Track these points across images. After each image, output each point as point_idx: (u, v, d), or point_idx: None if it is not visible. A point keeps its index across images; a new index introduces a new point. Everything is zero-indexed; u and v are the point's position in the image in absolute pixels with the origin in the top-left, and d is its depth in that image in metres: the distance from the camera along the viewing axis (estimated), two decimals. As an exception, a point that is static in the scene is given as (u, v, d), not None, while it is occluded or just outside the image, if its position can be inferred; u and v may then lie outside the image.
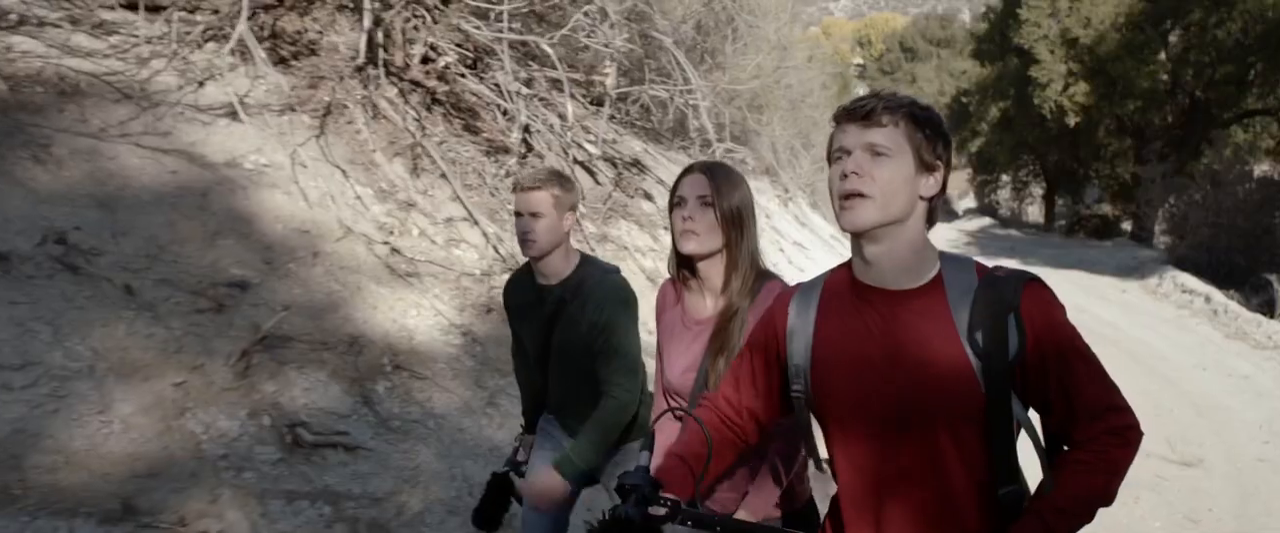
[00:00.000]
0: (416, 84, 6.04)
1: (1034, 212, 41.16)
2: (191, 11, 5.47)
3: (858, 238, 1.77)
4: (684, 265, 2.56)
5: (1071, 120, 30.19)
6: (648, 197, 7.35)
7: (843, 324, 1.84)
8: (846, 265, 1.87)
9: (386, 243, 5.05)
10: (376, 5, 5.94)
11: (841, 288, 1.87)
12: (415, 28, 6.07)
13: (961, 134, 38.30)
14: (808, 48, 11.44)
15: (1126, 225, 34.64)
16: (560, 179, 2.99)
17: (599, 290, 2.94)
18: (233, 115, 5.08)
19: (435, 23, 5.83)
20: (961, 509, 1.76)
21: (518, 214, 2.96)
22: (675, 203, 2.54)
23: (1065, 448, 1.76)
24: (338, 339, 4.39)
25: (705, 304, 2.58)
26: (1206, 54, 27.75)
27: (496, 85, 6.36)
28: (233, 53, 5.39)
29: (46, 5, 5.04)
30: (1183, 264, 20.09)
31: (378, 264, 4.92)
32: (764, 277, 2.56)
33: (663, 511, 1.79)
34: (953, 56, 58.60)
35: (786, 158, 11.09)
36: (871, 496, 1.84)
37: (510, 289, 3.27)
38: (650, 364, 2.87)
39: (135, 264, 4.08)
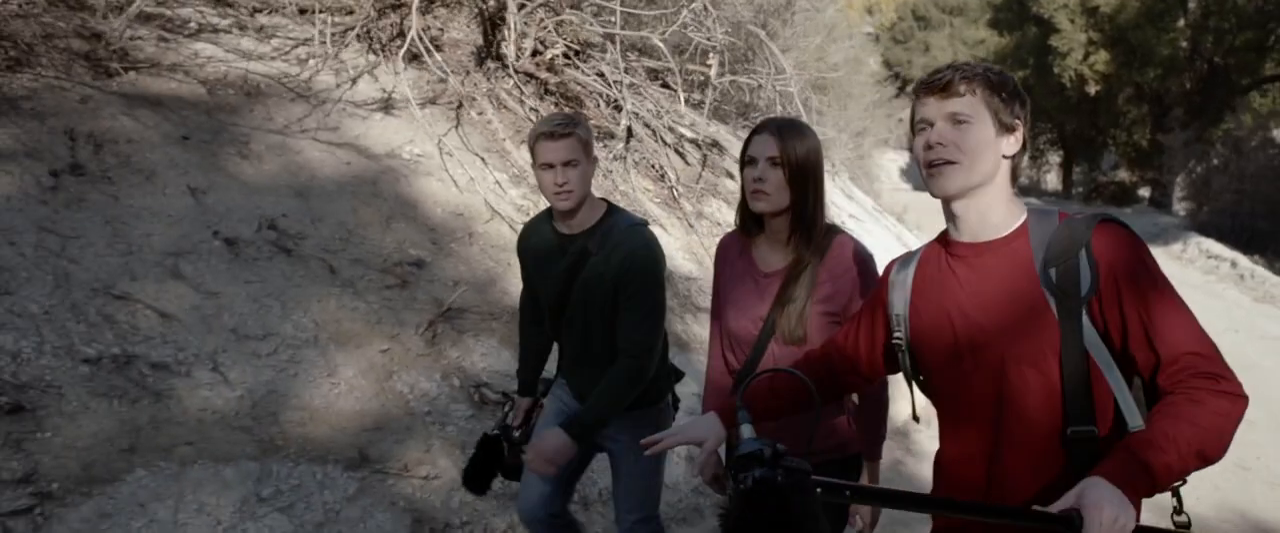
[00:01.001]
0: (529, 76, 6.56)
1: (1052, 179, 41.46)
2: (333, 14, 5.99)
3: (948, 201, 1.87)
4: (753, 221, 2.67)
5: (1092, 89, 30.57)
6: (729, 175, 7.88)
7: (937, 277, 1.96)
8: (944, 234, 1.98)
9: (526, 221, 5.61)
10: (491, 5, 6.47)
11: (937, 249, 2.00)
12: (526, 23, 6.58)
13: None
14: (848, 26, 11.84)
15: (1143, 192, 35.07)
16: (582, 121, 2.87)
17: (629, 242, 2.83)
18: (386, 109, 5.63)
19: (558, 18, 6.34)
20: (1045, 447, 1.81)
21: (547, 165, 2.77)
22: (746, 162, 2.61)
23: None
24: (501, 310, 4.94)
25: (773, 257, 2.66)
26: (1227, 20, 28.07)
27: (600, 74, 6.87)
28: (373, 52, 5.92)
29: (216, 13, 5.57)
30: (1206, 230, 20.55)
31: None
32: (832, 231, 2.65)
33: (796, 469, 1.70)
34: (966, 25, 58.62)
35: (834, 134, 11.58)
36: (965, 432, 1.94)
37: (527, 237, 3.12)
38: (667, 322, 2.98)
39: (332, 246, 4.64)
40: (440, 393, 4.40)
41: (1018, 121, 1.84)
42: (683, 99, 7.57)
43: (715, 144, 8.00)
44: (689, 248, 6.72)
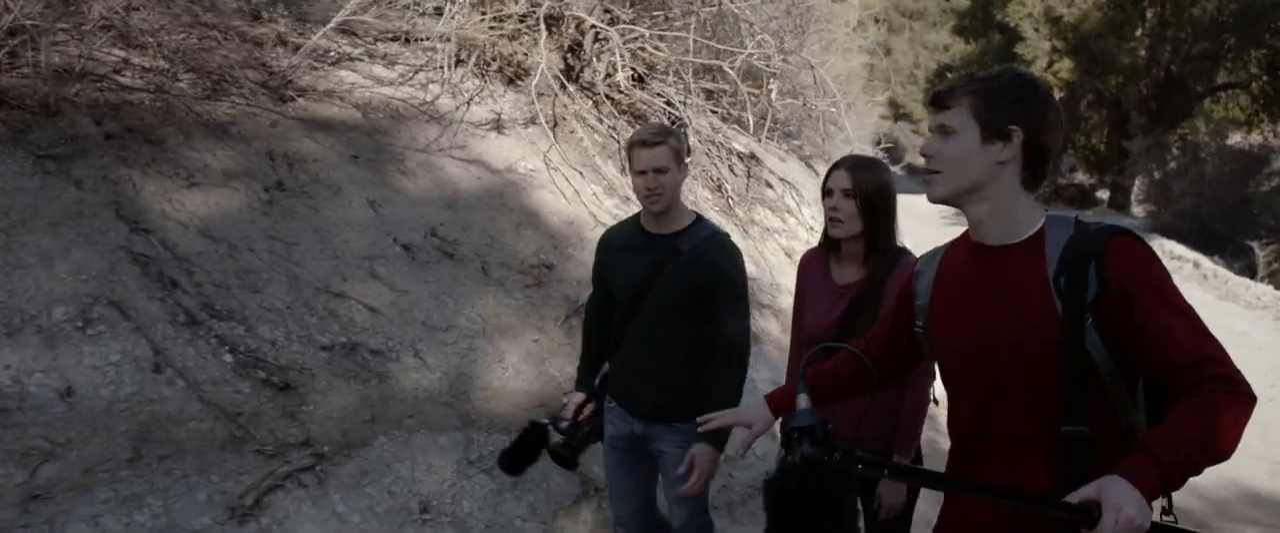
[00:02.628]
0: (605, 96, 7.34)
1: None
2: (439, 40, 6.72)
3: (955, 205, 2.00)
4: (832, 242, 3.09)
5: (1056, 95, 31.69)
6: (769, 185, 8.70)
7: (956, 274, 2.09)
8: (967, 232, 2.10)
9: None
10: (570, 35, 7.23)
11: (962, 245, 2.12)
12: (600, 49, 7.35)
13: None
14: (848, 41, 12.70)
15: (1101, 194, 36.40)
16: (676, 131, 3.18)
17: (719, 250, 3.11)
18: (497, 129, 6.38)
19: (632, 45, 7.12)
20: (1041, 446, 1.92)
21: (641, 172, 3.04)
22: (825, 193, 3.04)
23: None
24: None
25: (848, 273, 3.09)
26: (1183, 31, 29.39)
27: (659, 95, 7.66)
28: (478, 77, 6.67)
29: (348, 42, 6.29)
30: (1167, 232, 21.66)
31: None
32: (900, 253, 3.04)
33: (841, 450, 1.77)
34: (925, 29, 59.63)
35: (858, 146, 12.48)
36: (970, 427, 2.06)
37: (612, 236, 3.37)
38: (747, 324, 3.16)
39: (481, 250, 5.39)
40: (582, 376, 5.17)
41: (1014, 127, 1.91)
42: (768, 126, 8.40)
43: (753, 157, 8.81)
44: (746, 251, 7.51)
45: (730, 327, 3.10)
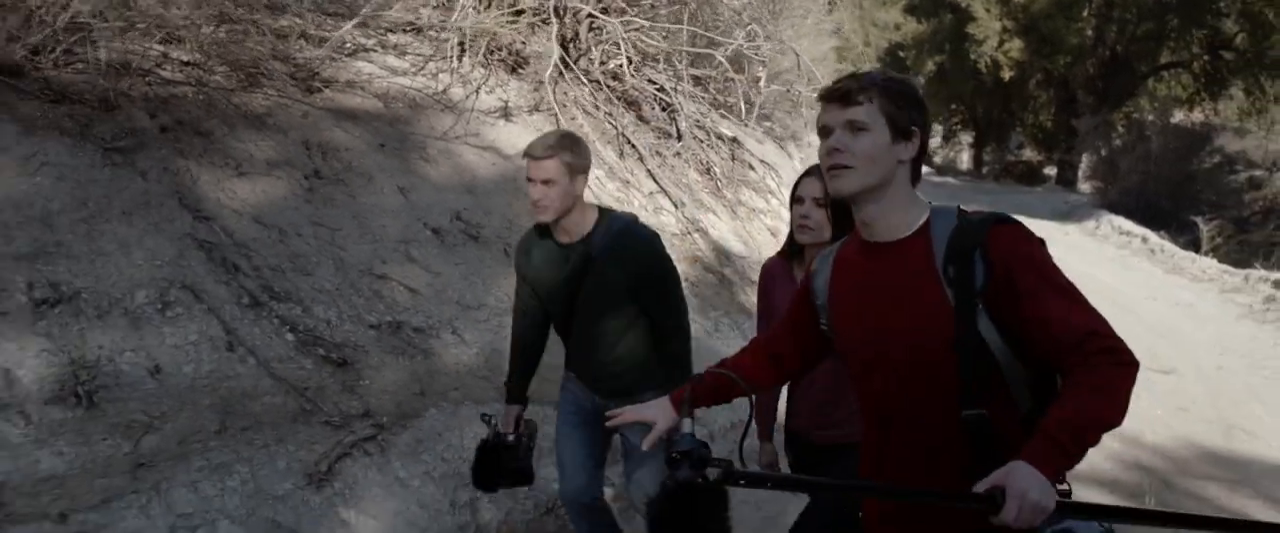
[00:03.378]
0: (600, 84, 7.66)
1: (965, 159, 43.66)
2: (439, 31, 7.00)
3: (852, 203, 2.01)
4: (799, 249, 3.05)
5: (1006, 74, 32.57)
6: (751, 167, 9.09)
7: (849, 273, 2.12)
8: (856, 231, 2.12)
9: (629, 213, 6.74)
10: (565, 25, 7.54)
11: (853, 243, 2.14)
12: (595, 39, 7.67)
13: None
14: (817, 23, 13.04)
15: (1049, 171, 37.42)
16: (571, 143, 3.07)
17: (633, 245, 3.11)
18: (505, 117, 6.69)
19: (630, 35, 7.45)
20: (945, 432, 1.95)
21: (530, 180, 3.05)
22: (795, 200, 2.98)
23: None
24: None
25: None
26: (1129, 12, 30.31)
27: (650, 81, 8.00)
28: (483, 66, 6.96)
29: (361, 34, 6.54)
30: (1114, 208, 22.38)
31: (624, 229, 6.62)
32: None
33: (717, 471, 1.88)
34: (874, 7, 60.03)
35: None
36: (878, 416, 2.09)
37: (526, 249, 3.34)
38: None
39: (502, 233, 5.72)
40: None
41: (915, 128, 1.97)
42: (757, 113, 8.75)
43: (736, 140, 9.19)
44: (735, 231, 7.91)
45: (664, 316, 3.18)
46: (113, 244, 4.00)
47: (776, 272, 3.17)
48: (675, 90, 7.68)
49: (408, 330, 4.72)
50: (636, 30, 7.44)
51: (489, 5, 6.78)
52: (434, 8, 6.73)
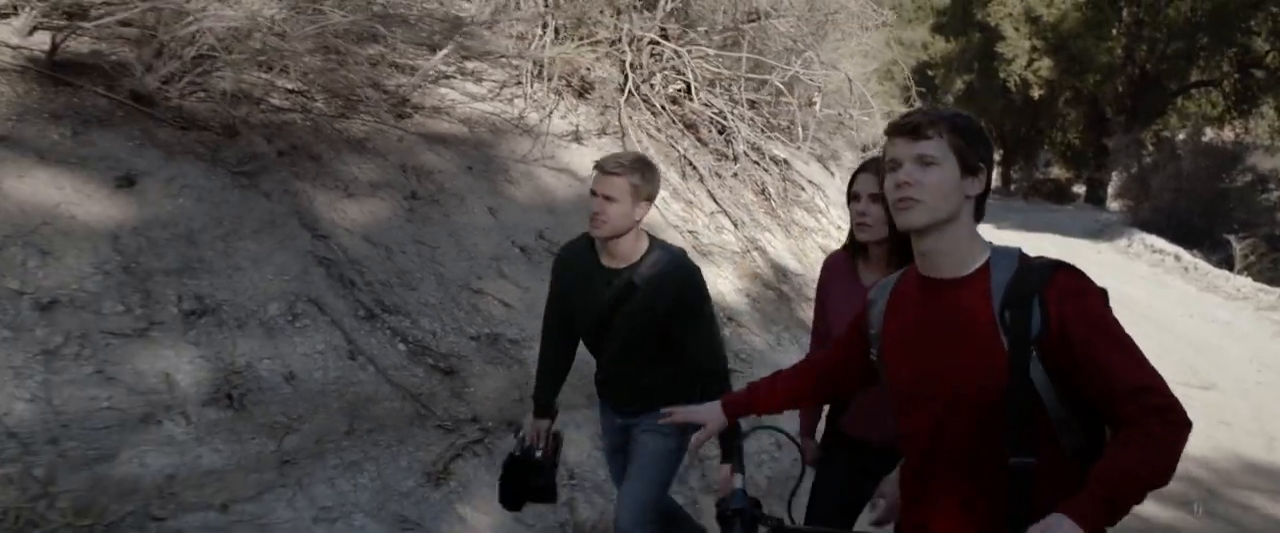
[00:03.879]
0: (662, 108, 8.01)
1: (992, 177, 43.77)
2: (513, 59, 7.36)
3: (915, 236, 2.00)
4: (859, 246, 3.04)
5: (1036, 93, 32.77)
6: (801, 188, 9.41)
7: (905, 307, 2.11)
8: (914, 265, 2.11)
9: (691, 232, 7.06)
10: (630, 51, 7.89)
11: (911, 278, 2.12)
12: (655, 65, 8.01)
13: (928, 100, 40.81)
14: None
15: (1077, 189, 37.54)
16: (643, 168, 3.11)
17: (674, 275, 3.12)
18: (577, 140, 7.04)
19: (683, 57, 7.79)
20: (988, 476, 1.94)
21: (593, 193, 3.08)
22: (852, 197, 2.99)
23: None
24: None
25: (875, 276, 2.91)
26: (1159, 31, 30.49)
27: (708, 105, 8.34)
28: (555, 92, 7.31)
29: (443, 62, 6.91)
30: (1145, 226, 22.51)
31: (691, 248, 6.94)
32: None
33: (767, 530, 1.96)
34: (900, 25, 59.94)
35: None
36: (921, 454, 2.09)
37: (568, 261, 3.37)
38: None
39: (581, 252, 6.04)
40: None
41: (981, 164, 1.97)
42: (811, 137, 9.10)
43: (786, 162, 9.51)
44: (790, 249, 8.22)
45: (700, 351, 3.17)
46: (247, 260, 4.36)
47: (838, 268, 3.15)
48: (732, 113, 8.00)
49: (504, 342, 5.05)
50: (698, 58, 7.78)
51: (561, 37, 7.13)
52: (511, 37, 7.09)
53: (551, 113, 7.03)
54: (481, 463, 4.40)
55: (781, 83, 8.15)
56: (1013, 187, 40.43)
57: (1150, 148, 28.51)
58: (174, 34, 4.77)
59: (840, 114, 9.31)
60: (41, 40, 4.76)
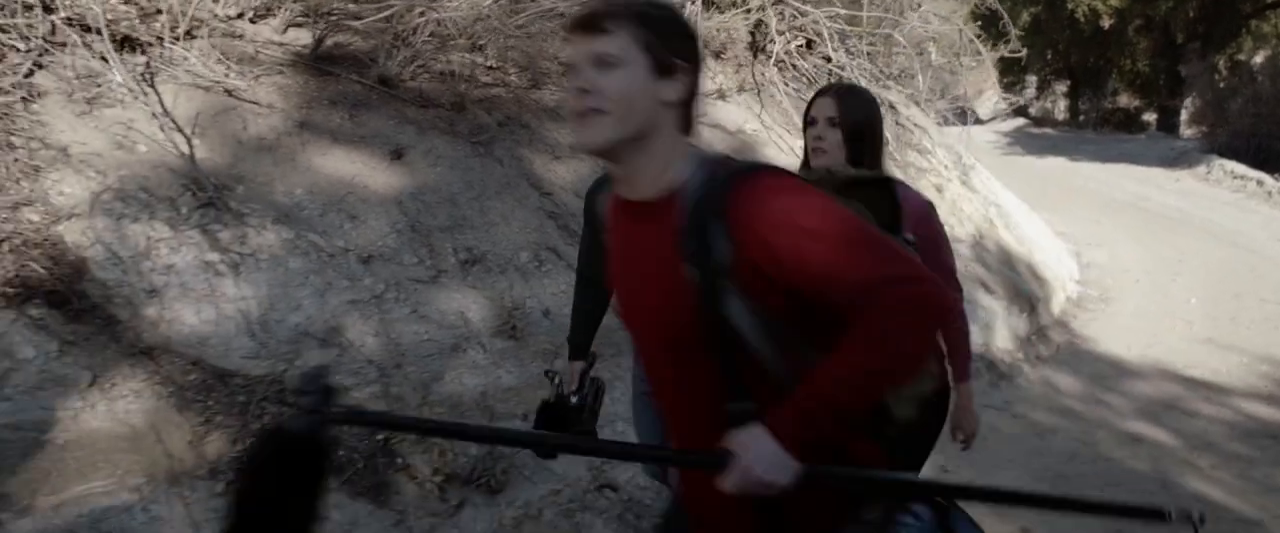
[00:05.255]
0: (786, 64, 8.69)
1: (1059, 108, 43.54)
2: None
3: (606, 156, 1.67)
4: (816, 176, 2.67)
5: (1105, 22, 32.64)
6: (909, 131, 10.06)
7: (616, 228, 1.84)
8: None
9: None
10: (753, 13, 8.57)
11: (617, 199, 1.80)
12: (781, 25, 8.68)
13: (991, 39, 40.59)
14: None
15: (1148, 118, 37.27)
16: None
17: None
18: (721, 97, 7.76)
19: (807, 26, 8.46)
20: (711, 426, 1.66)
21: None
22: (808, 122, 2.82)
23: None
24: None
25: None
26: (1231, -48, 30.25)
27: (827, 58, 9.01)
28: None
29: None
30: (1223, 152, 22.60)
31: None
32: (886, 184, 2.60)
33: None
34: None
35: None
36: (660, 397, 1.88)
37: (595, 198, 2.89)
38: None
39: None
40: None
41: (680, 62, 1.66)
42: (925, 86, 9.75)
43: (893, 107, 10.15)
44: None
45: None
46: (497, 216, 5.18)
47: None
48: (852, 66, 8.66)
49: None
50: (819, 11, 8.44)
51: (708, 7, 7.84)
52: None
53: (697, 74, 7.74)
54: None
55: (876, 24, 8.77)
56: (1081, 117, 40.23)
57: (1224, 72, 28.39)
58: (408, 25, 5.57)
59: (955, 60, 9.89)
60: (293, 36, 5.59)
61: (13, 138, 3.97)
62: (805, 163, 2.90)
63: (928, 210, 2.93)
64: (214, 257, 4.04)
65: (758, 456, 1.52)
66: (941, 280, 2.20)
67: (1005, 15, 10.18)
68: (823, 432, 1.55)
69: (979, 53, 9.67)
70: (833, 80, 9.01)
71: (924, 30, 9.08)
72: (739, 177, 1.62)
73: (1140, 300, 10.32)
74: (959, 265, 5.84)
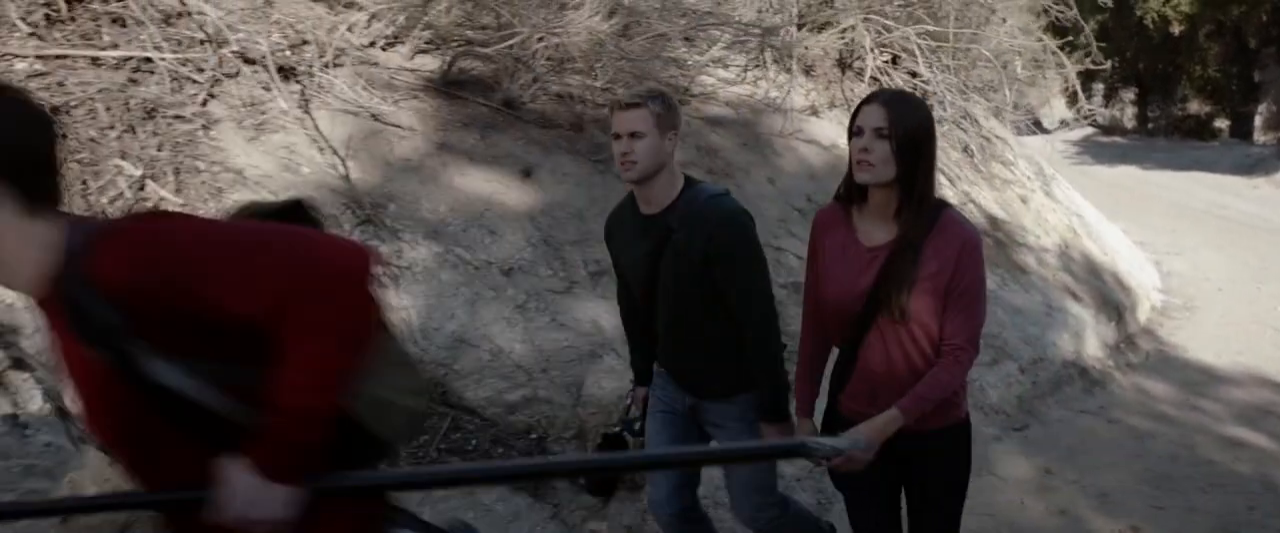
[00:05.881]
0: (876, 80, 8.91)
1: (1127, 116, 43.01)
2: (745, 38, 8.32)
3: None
4: (858, 192, 2.59)
5: (1175, 29, 32.27)
6: (992, 143, 10.20)
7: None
8: None
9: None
10: (845, 31, 8.80)
11: None
12: (869, 41, 8.90)
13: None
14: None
15: (1219, 124, 36.71)
16: (661, 97, 2.85)
17: (712, 218, 2.82)
18: (814, 113, 8.01)
19: (895, 41, 8.68)
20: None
21: (616, 136, 2.83)
22: (853, 132, 2.54)
23: None
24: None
25: (877, 232, 2.58)
26: (1305, -43, 29.77)
27: (914, 74, 9.21)
28: (786, 72, 8.29)
29: (689, 49, 7.94)
30: (1301, 158, 22.33)
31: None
32: (941, 207, 2.59)
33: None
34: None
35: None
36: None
37: (612, 223, 3.18)
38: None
39: (841, 211, 7.03)
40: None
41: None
42: (1011, 103, 9.94)
43: (975, 119, 10.31)
44: (995, 200, 9.06)
45: (740, 300, 2.90)
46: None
47: (832, 223, 2.71)
48: (939, 81, 8.86)
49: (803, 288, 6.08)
50: (921, 34, 8.66)
51: (803, 24, 8.11)
52: (758, 29, 8.09)
53: (788, 92, 8.00)
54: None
55: (986, 50, 8.97)
56: (1150, 125, 39.73)
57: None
58: (528, 50, 5.91)
59: (1035, 75, 10.04)
60: (420, 62, 5.96)
61: (197, 162, 4.35)
62: (848, 177, 2.62)
63: (974, 243, 2.58)
64: (376, 269, 4.37)
65: (237, 490, 1.50)
66: (962, 343, 2.53)
67: (1085, 28, 10.23)
68: (313, 443, 1.53)
69: (1062, 65, 9.77)
70: (919, 95, 9.22)
71: (1010, 44, 9.25)
72: (98, 238, 1.48)
73: (1226, 308, 10.33)
74: (1046, 274, 5.98)
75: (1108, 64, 13.36)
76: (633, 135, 2.80)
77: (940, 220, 2.54)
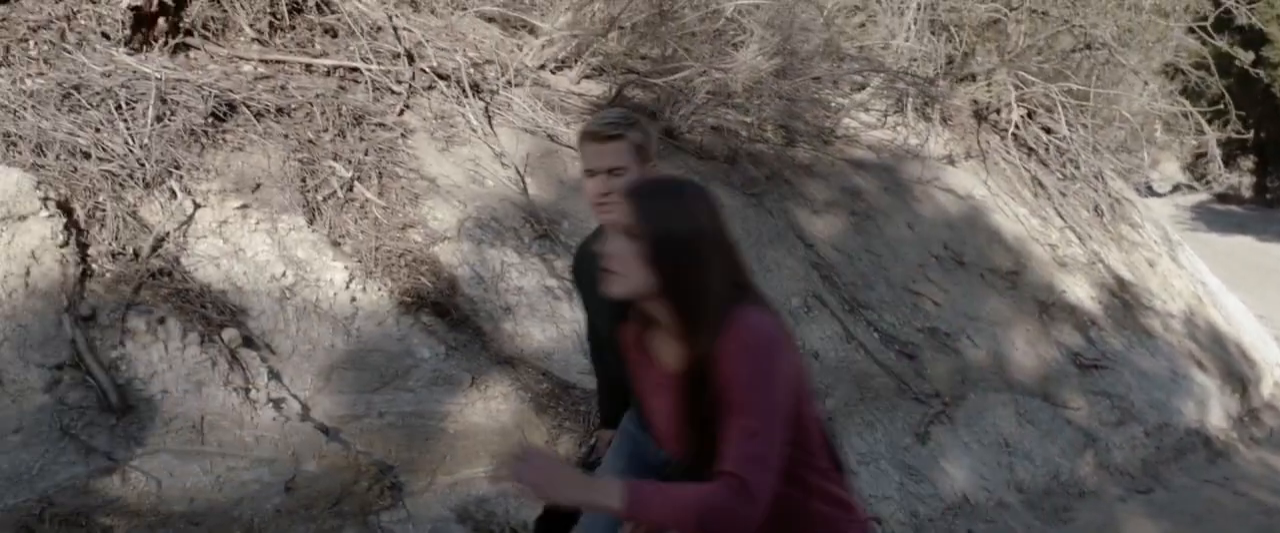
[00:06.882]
0: (1008, 132, 8.97)
1: (1244, 185, 41.78)
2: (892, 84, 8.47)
3: None
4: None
5: (1298, 96, 31.37)
6: (1121, 204, 10.15)
7: None
8: None
9: (1050, 245, 8.03)
10: (983, 86, 8.89)
11: None
12: (1006, 96, 8.98)
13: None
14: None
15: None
16: (637, 123, 2.49)
17: None
18: (950, 163, 8.12)
19: (1034, 97, 8.75)
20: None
21: (589, 172, 2.46)
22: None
23: None
24: (1057, 303, 7.37)
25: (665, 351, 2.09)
26: None
27: (1048, 130, 9.25)
28: (925, 119, 8.41)
29: (840, 94, 8.12)
30: None
31: (1049, 260, 7.90)
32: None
33: None
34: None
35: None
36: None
37: (581, 263, 2.77)
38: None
39: (975, 260, 7.14)
40: (1059, 356, 6.86)
41: None
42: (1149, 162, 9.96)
43: (1103, 179, 10.28)
44: (1122, 261, 9.03)
45: None
46: (772, 263, 5.69)
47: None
48: (1071, 138, 8.90)
49: (940, 333, 6.22)
50: (1036, 87, 8.73)
51: (947, 74, 8.25)
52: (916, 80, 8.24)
53: (927, 139, 8.13)
54: (946, 430, 5.58)
55: (1126, 111, 8.98)
56: (1269, 195, 38.55)
57: None
58: (690, 82, 6.16)
59: (1170, 140, 9.99)
60: (586, 87, 6.25)
61: (397, 168, 4.68)
62: None
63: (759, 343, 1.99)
64: (552, 282, 4.65)
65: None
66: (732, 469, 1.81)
67: (1226, 95, 10.15)
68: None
69: (1202, 131, 9.71)
70: (1053, 152, 9.27)
71: (1150, 107, 9.24)
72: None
73: (1353, 391, 10.11)
74: (1172, 340, 5.97)
75: (1249, 134, 13.04)
76: (612, 172, 2.43)
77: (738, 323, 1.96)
